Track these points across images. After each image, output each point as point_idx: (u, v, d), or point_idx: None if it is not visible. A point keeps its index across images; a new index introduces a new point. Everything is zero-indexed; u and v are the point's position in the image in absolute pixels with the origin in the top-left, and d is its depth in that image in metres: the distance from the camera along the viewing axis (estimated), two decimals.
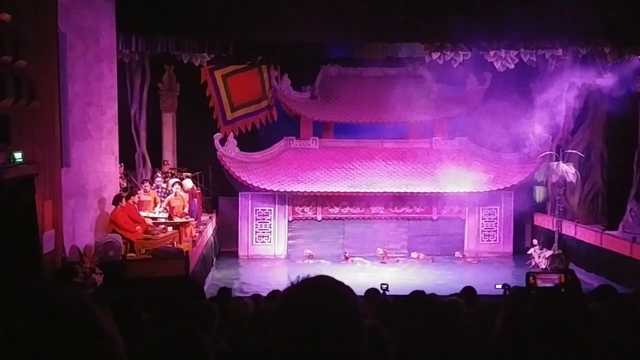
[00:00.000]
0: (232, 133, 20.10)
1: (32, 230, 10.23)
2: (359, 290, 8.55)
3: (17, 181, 9.67)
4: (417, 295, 3.42)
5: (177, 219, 15.99)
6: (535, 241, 18.94)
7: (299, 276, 1.58)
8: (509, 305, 4.83)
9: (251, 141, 20.64)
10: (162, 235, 14.87)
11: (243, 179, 19.03)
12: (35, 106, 10.14)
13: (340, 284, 1.58)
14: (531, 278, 3.86)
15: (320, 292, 1.52)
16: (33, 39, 10.41)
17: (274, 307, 1.56)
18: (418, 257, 19.24)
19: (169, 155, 20.66)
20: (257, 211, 19.68)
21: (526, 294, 3.90)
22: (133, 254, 13.64)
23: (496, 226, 20.12)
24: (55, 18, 11.53)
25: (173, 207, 16.18)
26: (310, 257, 18.90)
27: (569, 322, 2.20)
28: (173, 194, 16.49)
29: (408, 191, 19.22)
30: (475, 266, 18.68)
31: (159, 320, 4.87)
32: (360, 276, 16.14)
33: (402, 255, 19.59)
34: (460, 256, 19.45)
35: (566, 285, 3.70)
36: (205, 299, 6.50)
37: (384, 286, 7.79)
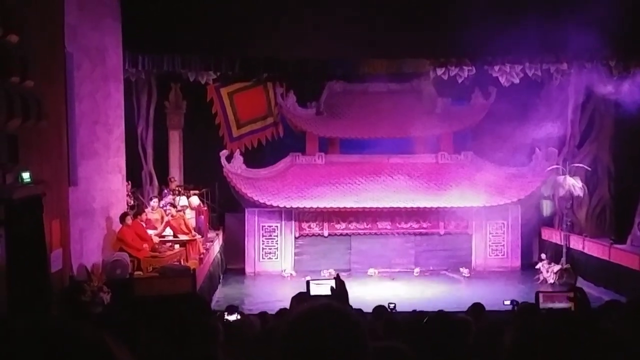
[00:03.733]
0: (238, 149, 20.17)
1: (40, 249, 10.25)
2: (367, 307, 8.55)
3: (25, 200, 9.70)
4: (440, 315, 3.41)
5: (180, 237, 15.98)
6: (543, 255, 18.83)
7: (302, 296, 1.59)
8: (517, 322, 4.81)
9: (257, 157, 20.69)
10: (169, 252, 14.89)
11: (249, 195, 19.05)
12: (42, 126, 10.20)
13: (346, 309, 1.58)
14: (541, 297, 3.84)
15: (327, 317, 1.53)
16: (40, 59, 10.49)
17: (281, 330, 1.57)
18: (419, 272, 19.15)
19: (175, 172, 20.71)
20: (264, 227, 19.68)
21: (536, 313, 3.88)
22: (140, 272, 13.65)
23: (504, 240, 20.05)
24: (62, 38, 11.62)
25: (174, 227, 16.17)
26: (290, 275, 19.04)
27: (579, 342, 2.19)
28: (169, 216, 16.35)
29: (415, 206, 19.19)
30: (482, 281, 18.58)
31: (164, 340, 4.85)
32: (368, 292, 16.10)
33: (408, 269, 19.53)
34: (467, 273, 19.23)
35: (576, 303, 3.68)
36: (212, 317, 6.49)
37: (392, 305, 7.78)
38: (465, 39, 15.73)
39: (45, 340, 1.08)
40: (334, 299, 4.35)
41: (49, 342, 1.08)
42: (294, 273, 19.14)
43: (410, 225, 19.91)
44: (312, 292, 4.86)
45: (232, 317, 5.60)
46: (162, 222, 16.37)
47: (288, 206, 19.11)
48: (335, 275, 3.69)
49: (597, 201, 19.89)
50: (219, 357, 2.67)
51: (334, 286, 3.55)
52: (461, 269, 19.24)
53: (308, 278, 17.47)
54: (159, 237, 15.67)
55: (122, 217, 14.11)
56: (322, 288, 4.79)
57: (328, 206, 19.16)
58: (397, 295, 15.05)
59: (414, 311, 5.67)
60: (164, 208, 16.87)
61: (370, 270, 19.09)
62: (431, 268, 19.54)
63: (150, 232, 15.34)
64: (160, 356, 3.70)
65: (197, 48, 17.03)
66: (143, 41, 16.07)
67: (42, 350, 1.07)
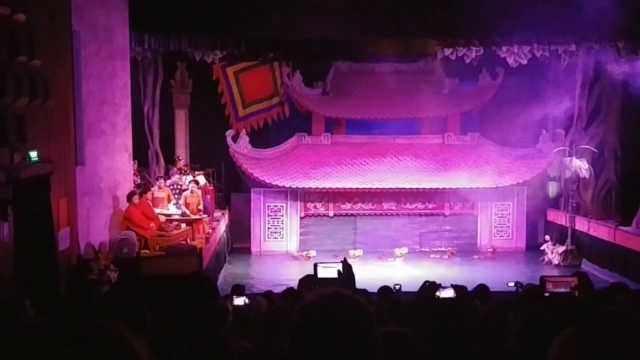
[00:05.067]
0: (244, 129, 20.17)
1: (48, 228, 10.33)
2: (372, 287, 8.60)
3: (32, 180, 9.75)
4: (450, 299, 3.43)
5: (191, 216, 16.11)
6: (547, 237, 18.86)
7: (310, 279, 1.61)
8: (522, 306, 4.85)
9: (263, 137, 20.71)
10: (175, 232, 14.97)
11: (255, 175, 19.09)
12: (50, 105, 10.21)
13: (355, 297, 1.60)
14: (546, 282, 3.86)
15: (336, 307, 1.55)
16: (47, 39, 10.47)
17: (292, 320, 1.59)
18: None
19: (181, 152, 20.76)
20: (269, 207, 19.74)
21: (540, 297, 3.91)
22: (147, 251, 13.75)
23: (509, 222, 20.06)
24: (69, 17, 11.59)
25: (188, 204, 16.31)
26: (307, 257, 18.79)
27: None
28: (189, 190, 16.63)
29: (420, 187, 19.20)
30: (487, 262, 18.64)
31: (172, 321, 4.91)
32: (374, 272, 16.17)
33: (415, 250, 19.58)
34: (491, 250, 19.27)
35: (580, 289, 3.71)
36: (219, 297, 6.54)
37: (397, 286, 7.84)
38: (473, 20, 15.64)
39: (67, 340, 1.10)
40: (340, 282, 4.39)
41: (72, 341, 1.10)
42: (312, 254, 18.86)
43: (416, 206, 19.94)
44: (320, 275, 4.90)
45: (240, 300, 5.65)
46: (168, 201, 16.48)
47: (294, 186, 19.15)
48: (343, 259, 3.72)
49: (603, 183, 19.86)
50: (228, 339, 2.71)
51: (341, 270, 3.58)
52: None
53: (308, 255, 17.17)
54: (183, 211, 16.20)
55: (129, 196, 14.18)
56: (329, 271, 4.84)
57: (334, 187, 19.19)
58: (402, 276, 15.12)
59: (426, 282, 5.60)
60: (187, 185, 17.06)
61: (397, 251, 18.86)
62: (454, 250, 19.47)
63: (157, 210, 15.42)
64: (168, 338, 3.75)
65: (203, 27, 16.96)
66: (149, 20, 16.01)
67: (65, 350, 1.09)
